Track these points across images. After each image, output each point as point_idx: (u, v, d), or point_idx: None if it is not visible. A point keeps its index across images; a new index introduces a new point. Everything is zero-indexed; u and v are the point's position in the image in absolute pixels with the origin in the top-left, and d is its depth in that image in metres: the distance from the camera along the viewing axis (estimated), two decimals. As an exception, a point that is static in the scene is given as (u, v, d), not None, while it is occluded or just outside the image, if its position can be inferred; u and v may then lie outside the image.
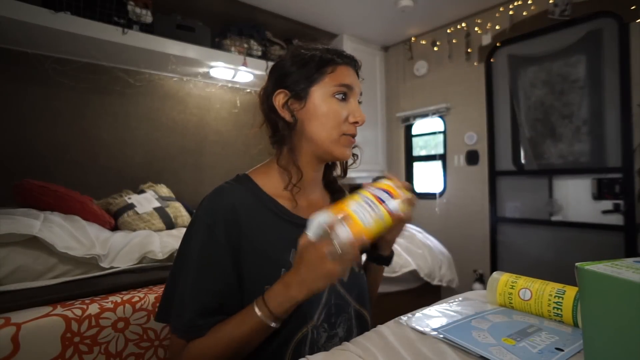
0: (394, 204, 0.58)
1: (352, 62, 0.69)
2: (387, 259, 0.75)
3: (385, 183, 0.61)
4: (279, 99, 0.66)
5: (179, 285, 0.58)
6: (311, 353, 0.58)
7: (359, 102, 0.69)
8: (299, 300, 0.52)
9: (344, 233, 0.49)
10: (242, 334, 0.54)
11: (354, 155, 0.75)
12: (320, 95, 0.64)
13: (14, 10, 1.54)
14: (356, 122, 0.66)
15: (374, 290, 0.80)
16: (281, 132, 0.66)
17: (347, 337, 0.64)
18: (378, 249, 0.74)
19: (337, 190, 0.78)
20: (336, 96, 0.64)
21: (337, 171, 0.79)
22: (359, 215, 0.52)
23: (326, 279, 0.50)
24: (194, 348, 0.56)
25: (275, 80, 0.67)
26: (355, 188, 0.66)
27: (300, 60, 0.65)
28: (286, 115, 0.65)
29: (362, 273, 0.73)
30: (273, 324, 0.54)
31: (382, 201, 0.57)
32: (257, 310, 0.53)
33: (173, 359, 0.59)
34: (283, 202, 0.66)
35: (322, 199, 0.74)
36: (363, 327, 0.69)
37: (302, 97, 0.65)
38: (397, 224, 0.62)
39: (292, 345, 0.60)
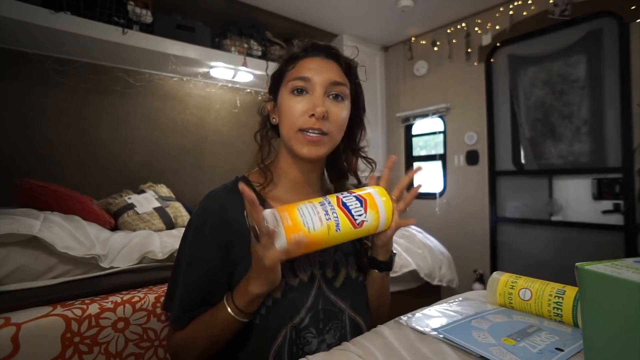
0: (364, 215, 0.55)
1: (320, 52, 0.65)
2: (384, 264, 0.68)
3: (366, 191, 0.58)
4: (269, 105, 0.70)
5: (175, 281, 0.63)
6: (294, 358, 0.59)
7: (338, 94, 0.64)
8: (258, 294, 0.54)
9: (266, 224, 0.49)
10: (215, 325, 0.58)
11: (370, 161, 0.73)
12: (283, 94, 0.65)
13: (14, 10, 1.54)
14: (312, 115, 0.61)
15: (383, 300, 0.74)
16: (261, 134, 0.71)
17: (339, 343, 0.62)
18: (373, 254, 0.69)
19: None
20: (293, 91, 0.63)
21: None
22: (304, 217, 0.50)
23: (266, 270, 0.51)
24: (177, 336, 0.62)
25: (268, 87, 0.71)
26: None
27: (280, 62, 0.68)
28: (272, 119, 0.70)
29: (359, 280, 0.69)
30: (241, 319, 0.57)
31: (346, 209, 0.54)
32: (225, 304, 0.57)
33: (167, 347, 0.65)
34: (275, 203, 0.66)
35: None
36: (358, 335, 0.67)
37: (276, 99, 0.68)
38: (381, 231, 0.61)
39: (273, 350, 0.59)
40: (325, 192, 0.74)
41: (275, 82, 0.68)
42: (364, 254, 0.71)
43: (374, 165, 0.73)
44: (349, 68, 0.68)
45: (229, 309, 0.56)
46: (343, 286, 0.66)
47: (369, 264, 0.70)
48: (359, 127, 0.73)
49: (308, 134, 0.61)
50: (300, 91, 0.62)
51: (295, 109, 0.62)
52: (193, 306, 0.61)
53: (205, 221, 0.62)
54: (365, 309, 0.69)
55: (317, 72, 0.62)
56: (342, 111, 0.64)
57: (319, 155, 0.63)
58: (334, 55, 0.66)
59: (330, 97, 0.64)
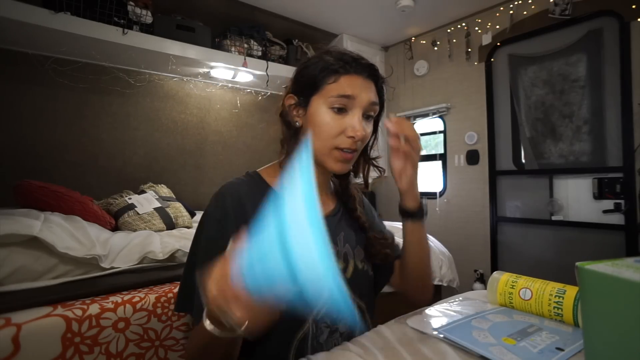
0: None
1: (363, 71, 0.64)
2: (413, 213, 0.67)
3: None
4: (289, 102, 0.68)
5: (193, 277, 0.58)
6: (313, 349, 0.59)
7: (370, 115, 0.65)
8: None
9: None
10: (199, 338, 0.51)
11: (379, 169, 0.74)
12: (318, 105, 0.63)
13: (14, 10, 1.54)
14: (352, 137, 0.61)
15: (425, 255, 0.72)
16: (285, 134, 0.69)
17: (350, 334, 0.64)
18: (402, 203, 0.68)
19: (349, 196, 0.75)
20: (333, 108, 0.62)
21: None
22: None
23: None
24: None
25: (292, 83, 0.69)
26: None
27: (312, 66, 0.66)
28: (292, 120, 0.67)
29: (365, 270, 0.71)
30: (223, 334, 0.43)
31: None
32: (205, 317, 0.45)
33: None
34: None
35: (326, 205, 0.73)
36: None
37: (304, 104, 0.66)
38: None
39: (295, 342, 0.60)
40: (331, 191, 0.76)
41: (306, 87, 0.65)
42: (375, 244, 0.72)
43: (382, 172, 0.75)
44: (381, 87, 0.69)
45: (206, 323, 0.44)
46: (352, 277, 0.68)
47: (403, 214, 0.69)
48: (373, 138, 0.74)
49: (343, 152, 0.63)
50: (340, 110, 0.63)
51: (334, 127, 0.62)
52: None
53: (227, 214, 0.60)
54: (370, 301, 0.71)
55: (360, 92, 0.63)
56: (369, 128, 0.67)
57: (348, 170, 0.66)
58: (374, 76, 0.67)
59: (364, 116, 0.65)
